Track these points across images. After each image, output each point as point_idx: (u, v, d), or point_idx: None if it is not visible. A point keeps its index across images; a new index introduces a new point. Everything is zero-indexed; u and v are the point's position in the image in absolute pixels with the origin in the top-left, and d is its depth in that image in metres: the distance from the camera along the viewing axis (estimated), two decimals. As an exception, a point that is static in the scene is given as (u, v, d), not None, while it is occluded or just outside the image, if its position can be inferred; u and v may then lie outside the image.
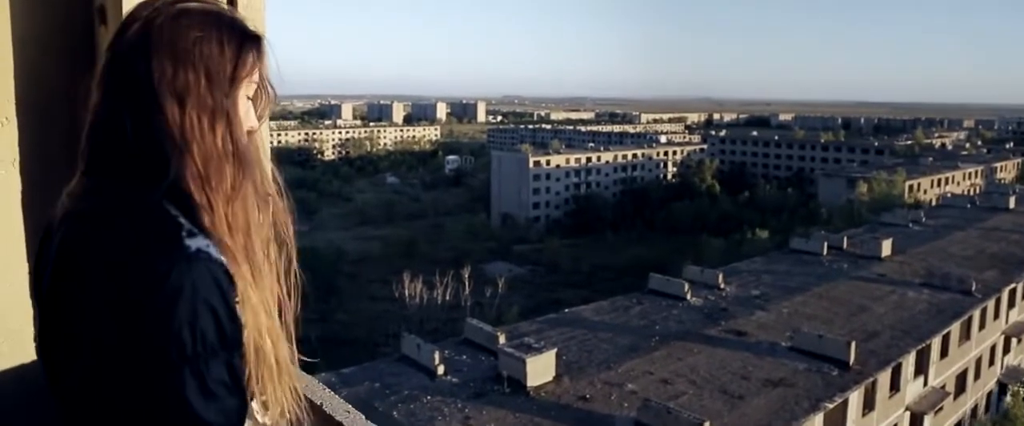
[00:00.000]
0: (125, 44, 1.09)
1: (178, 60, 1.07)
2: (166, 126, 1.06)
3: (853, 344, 26.85)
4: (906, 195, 78.43)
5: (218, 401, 1.03)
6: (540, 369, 24.37)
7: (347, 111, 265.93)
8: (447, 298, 56.56)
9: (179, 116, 1.06)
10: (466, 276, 57.62)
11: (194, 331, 0.99)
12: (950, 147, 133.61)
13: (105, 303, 1.00)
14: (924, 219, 53.44)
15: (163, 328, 0.98)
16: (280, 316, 1.22)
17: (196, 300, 1.00)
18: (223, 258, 1.06)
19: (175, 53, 1.06)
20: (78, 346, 1.04)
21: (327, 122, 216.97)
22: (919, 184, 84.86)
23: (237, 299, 1.07)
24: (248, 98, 1.18)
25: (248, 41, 1.15)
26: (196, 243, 1.03)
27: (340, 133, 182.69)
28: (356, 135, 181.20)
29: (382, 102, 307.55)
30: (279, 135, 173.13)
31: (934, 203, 71.36)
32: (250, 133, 1.19)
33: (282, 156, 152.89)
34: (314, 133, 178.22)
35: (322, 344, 54.59)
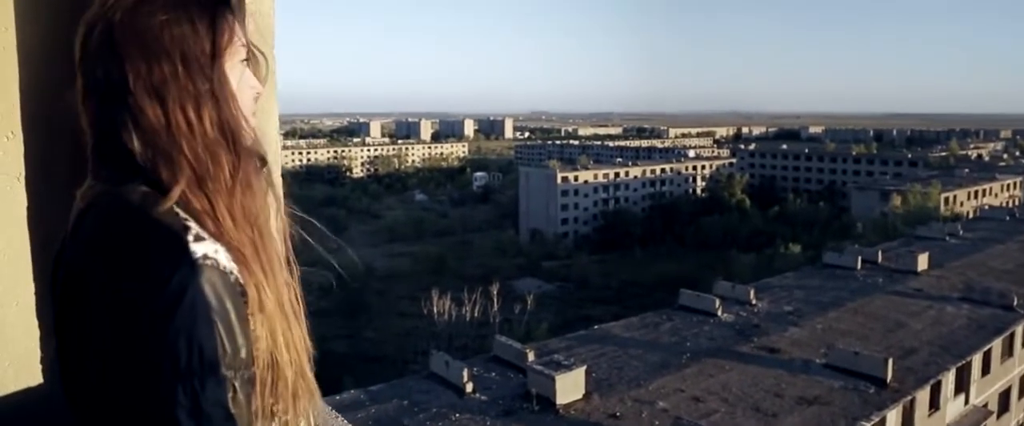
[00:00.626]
0: (91, 50, 1.01)
1: (148, 53, 0.98)
2: (151, 129, 0.98)
3: (890, 361, 26.25)
4: (942, 208, 77.08)
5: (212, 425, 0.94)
6: (570, 387, 24.11)
7: (375, 129, 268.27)
8: (476, 315, 56.40)
9: (162, 115, 0.98)
10: (495, 293, 57.44)
11: (191, 344, 0.91)
12: (987, 158, 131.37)
13: (106, 309, 0.94)
14: (961, 232, 52.41)
15: (158, 337, 0.91)
16: (296, 322, 1.12)
17: (197, 310, 0.92)
18: (234, 266, 0.98)
19: (144, 46, 0.98)
20: (83, 357, 0.98)
21: (356, 140, 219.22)
22: (955, 196, 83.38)
23: (249, 312, 1.00)
24: (243, 62, 1.09)
25: (221, 7, 1.05)
26: (203, 248, 0.95)
27: (369, 151, 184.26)
28: (384, 152, 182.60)
29: (410, 119, 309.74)
30: (309, 153, 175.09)
31: (971, 215, 70.03)
32: (257, 97, 1.13)
33: (312, 174, 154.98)
34: (343, 151, 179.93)
35: (351, 361, 54.72)
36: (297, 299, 1.15)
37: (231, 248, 0.98)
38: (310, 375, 1.15)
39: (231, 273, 0.97)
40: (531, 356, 26.85)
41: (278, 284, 1.05)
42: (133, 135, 0.98)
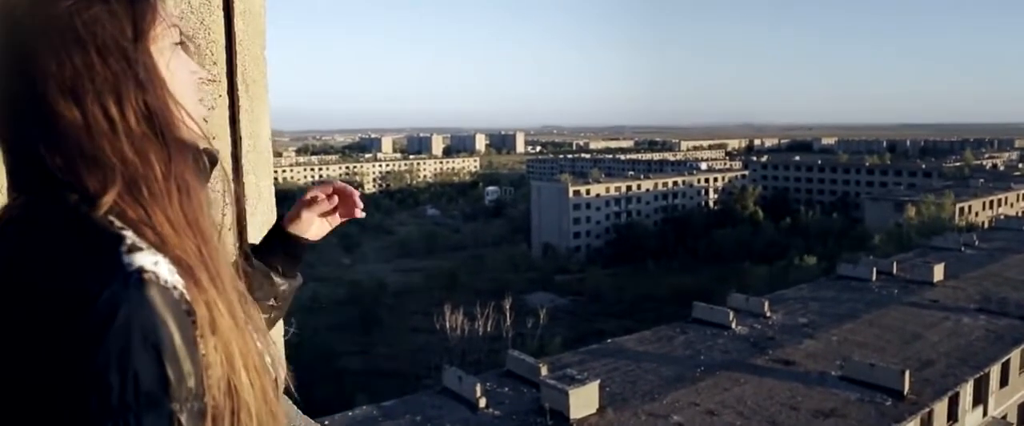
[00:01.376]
0: None
1: (57, 46, 0.84)
2: (69, 132, 0.84)
3: (907, 373, 26.00)
4: (957, 218, 76.50)
5: None
6: (583, 401, 24.00)
7: (387, 144, 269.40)
8: (488, 329, 56.28)
9: (80, 115, 0.84)
10: (507, 307, 57.33)
11: (125, 373, 0.76)
12: (1002, 168, 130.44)
13: (24, 335, 0.78)
14: (977, 242, 52.01)
15: (84, 366, 0.76)
16: (257, 339, 0.98)
17: (131, 332, 0.77)
18: (179, 281, 0.84)
19: (51, 39, 0.84)
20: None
21: (367, 155, 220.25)
22: (970, 206, 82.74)
23: (198, 333, 0.84)
24: (176, 45, 0.95)
25: None
26: (140, 260, 0.81)
27: (380, 166, 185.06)
28: (396, 168, 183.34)
29: (421, 135, 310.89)
30: (321, 169, 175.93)
31: (987, 225, 69.46)
32: (203, 83, 1.01)
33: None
34: (355, 166, 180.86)
35: (364, 376, 54.74)
36: (256, 312, 1.01)
37: (175, 260, 0.85)
38: (276, 401, 0.98)
39: (175, 289, 0.82)
40: (544, 371, 26.78)
41: (231, 299, 0.91)
42: (49, 141, 0.84)
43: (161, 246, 0.85)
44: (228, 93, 1.75)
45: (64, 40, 0.84)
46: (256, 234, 1.80)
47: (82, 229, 0.83)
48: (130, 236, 0.83)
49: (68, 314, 0.77)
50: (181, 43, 0.97)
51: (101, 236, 0.82)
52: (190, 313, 0.83)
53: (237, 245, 1.41)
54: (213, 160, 1.01)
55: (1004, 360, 30.58)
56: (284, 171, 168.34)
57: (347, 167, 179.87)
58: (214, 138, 1.63)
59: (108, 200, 0.84)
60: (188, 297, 0.84)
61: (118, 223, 0.84)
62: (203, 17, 1.62)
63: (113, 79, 0.85)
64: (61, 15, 0.84)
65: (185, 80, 0.96)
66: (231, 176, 1.61)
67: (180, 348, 0.81)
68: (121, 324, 0.77)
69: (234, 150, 1.79)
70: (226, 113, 1.74)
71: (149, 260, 0.81)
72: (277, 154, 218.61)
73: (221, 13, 1.66)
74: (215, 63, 1.69)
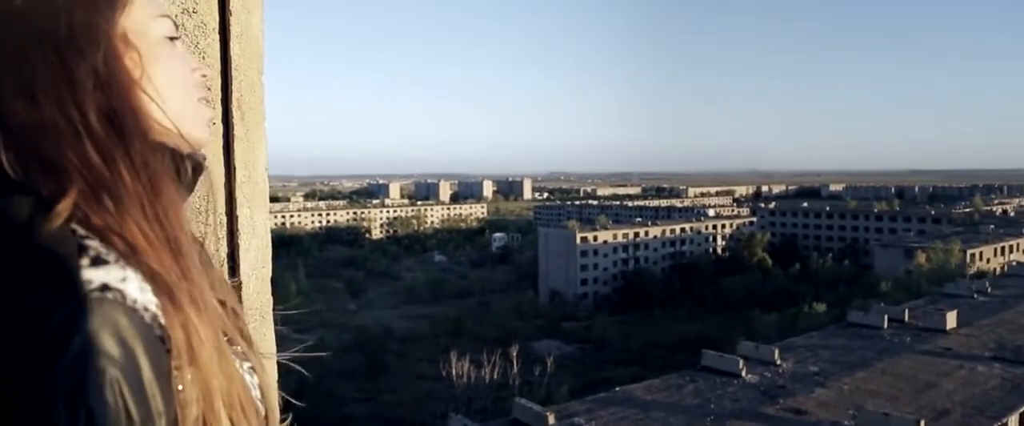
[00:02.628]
0: None
1: (13, 42, 0.75)
2: (23, 132, 0.73)
3: (922, 422, 25.48)
4: (968, 264, 75.95)
5: None
6: (591, 451, 23.58)
7: (395, 190, 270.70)
8: (495, 377, 55.73)
9: (36, 114, 0.73)
10: (514, 354, 56.84)
11: (75, 414, 0.63)
12: (1012, 214, 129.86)
13: None
14: (989, 289, 51.52)
15: (27, 405, 0.63)
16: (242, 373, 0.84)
17: (87, 362, 0.64)
18: (151, 301, 0.71)
19: (8, 35, 0.75)
20: None
21: (375, 201, 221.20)
22: (981, 253, 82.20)
23: (175, 365, 0.72)
24: (170, 38, 0.84)
25: None
26: (103, 276, 0.69)
27: (388, 212, 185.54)
28: (403, 214, 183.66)
29: (429, 181, 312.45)
30: (328, 215, 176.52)
31: (998, 272, 68.89)
32: (204, 80, 0.90)
33: (331, 235, 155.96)
34: (362, 212, 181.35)
35: (369, 423, 54.13)
36: (246, 340, 0.88)
37: (149, 275, 0.72)
38: None
39: (146, 310, 0.70)
40: (552, 419, 26.43)
41: (213, 323, 0.78)
42: (4, 142, 0.74)
43: (132, 259, 0.72)
44: (223, 120, 1.66)
45: (21, 36, 0.75)
46: (249, 272, 1.70)
47: (32, 240, 0.70)
48: (95, 246, 0.71)
49: (12, 341, 0.64)
50: (175, 37, 0.85)
51: (58, 246, 0.69)
52: (164, 340, 0.71)
53: (229, 283, 1.35)
54: (197, 167, 0.87)
55: (1022, 410, 29.99)
56: (291, 216, 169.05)
57: (354, 213, 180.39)
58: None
59: (66, 204, 0.72)
60: (162, 321, 0.71)
61: (82, 232, 0.72)
62: (198, 40, 1.56)
63: (75, 75, 0.74)
64: (18, 9, 0.75)
65: (176, 78, 0.84)
66: (224, 209, 1.61)
67: (149, 383, 0.67)
68: (75, 353, 0.64)
69: (228, 181, 1.67)
70: (220, 142, 1.64)
71: (115, 275, 0.69)
72: (285, 199, 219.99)
73: (217, 36, 1.59)
74: (209, 89, 1.65)
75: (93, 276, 0.68)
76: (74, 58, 0.74)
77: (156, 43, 0.82)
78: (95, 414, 0.63)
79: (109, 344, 0.65)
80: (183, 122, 0.83)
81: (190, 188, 0.87)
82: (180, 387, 0.72)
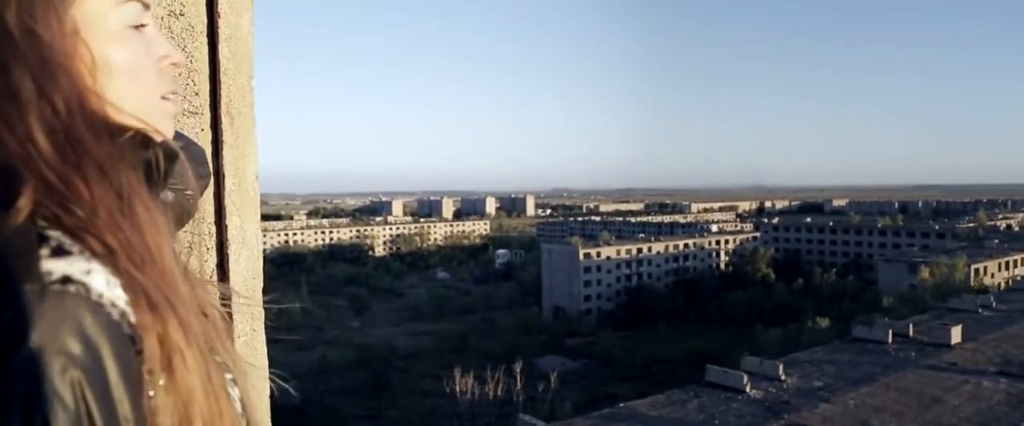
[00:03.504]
0: None
1: None
2: None
3: (928, 438, 25.33)
4: (972, 279, 75.75)
5: None
6: (595, 467, 23.44)
7: (398, 207, 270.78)
8: (499, 393, 55.58)
9: None
10: (518, 371, 56.70)
11: (31, 418, 0.56)
12: (1016, 228, 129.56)
13: None
14: (994, 304, 51.29)
15: None
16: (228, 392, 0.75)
17: (45, 363, 0.56)
18: (121, 296, 0.63)
19: None
20: None
21: (378, 218, 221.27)
22: (985, 267, 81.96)
23: (146, 368, 0.64)
24: (136, 27, 0.75)
25: None
26: (65, 267, 0.61)
27: (391, 229, 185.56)
28: (407, 231, 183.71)
29: (432, 198, 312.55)
30: (331, 232, 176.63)
31: (1003, 287, 68.64)
32: (173, 68, 0.80)
33: (334, 253, 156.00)
34: (365, 230, 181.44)
35: (372, 442, 53.97)
36: (229, 351, 0.79)
37: (119, 270, 0.65)
38: None
39: (114, 306, 0.62)
40: (555, 435, 26.27)
41: (193, 331, 0.70)
42: None
43: (101, 252, 0.64)
44: (211, 126, 1.59)
45: None
46: (240, 284, 1.64)
47: None
48: (57, 237, 0.63)
49: None
50: (142, 25, 0.75)
51: (14, 236, 0.61)
52: (135, 340, 0.63)
53: (218, 294, 1.34)
54: (170, 155, 0.80)
55: (1027, 425, 29.82)
56: (295, 234, 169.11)
57: (358, 230, 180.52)
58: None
59: (25, 202, 0.63)
60: (132, 319, 0.63)
61: (43, 223, 0.64)
62: (185, 43, 1.50)
63: (12, 89, 0.65)
64: None
65: (137, 72, 0.74)
66: (213, 218, 1.56)
67: (115, 386, 0.60)
68: (30, 352, 0.56)
69: (216, 189, 1.61)
70: (208, 148, 1.58)
71: (79, 267, 0.62)
72: (288, 217, 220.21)
73: (205, 39, 1.52)
74: (197, 93, 1.56)
75: (53, 267, 0.60)
76: (16, 66, 0.65)
77: (115, 34, 0.72)
78: (53, 420, 0.56)
79: (70, 342, 0.58)
80: (143, 119, 0.75)
81: (166, 179, 0.80)
82: (151, 393, 0.64)
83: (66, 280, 0.60)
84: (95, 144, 0.67)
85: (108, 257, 0.64)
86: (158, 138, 0.77)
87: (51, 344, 0.57)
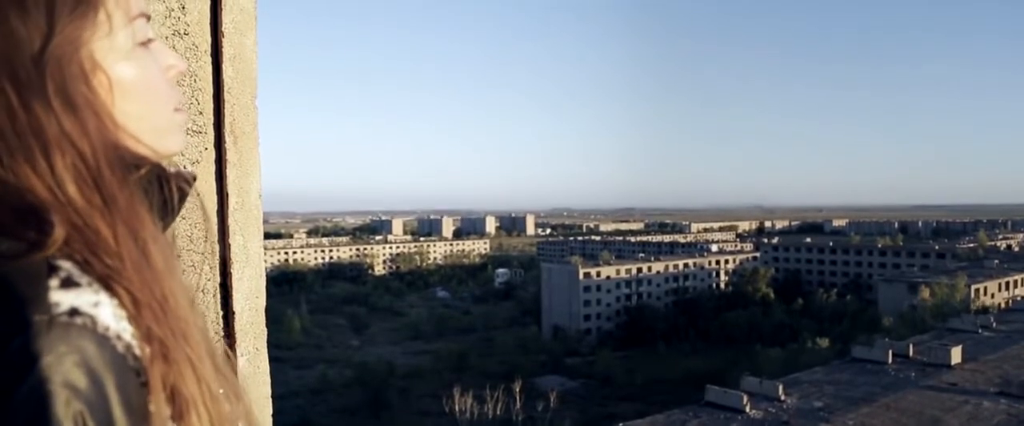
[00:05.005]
0: None
1: None
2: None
3: (928, 459, 25.27)
4: (972, 299, 75.68)
5: None
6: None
7: (397, 226, 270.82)
8: (498, 412, 55.44)
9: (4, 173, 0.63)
10: (517, 390, 56.58)
11: None
12: (1016, 249, 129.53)
13: None
14: (994, 324, 51.24)
15: None
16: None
17: (49, 394, 0.56)
18: (127, 328, 0.63)
19: None
20: None
21: (378, 237, 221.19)
22: (985, 288, 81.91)
23: (150, 402, 0.64)
24: (143, 44, 0.74)
25: None
26: (73, 299, 0.60)
27: (391, 248, 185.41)
28: (406, 250, 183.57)
29: (432, 217, 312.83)
30: (331, 251, 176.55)
31: (1003, 307, 68.56)
32: (177, 79, 0.81)
33: (334, 271, 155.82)
34: (365, 248, 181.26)
35: (371, 462, 53.67)
36: (236, 393, 0.76)
37: (130, 302, 0.64)
38: None
39: (119, 339, 0.62)
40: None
41: (207, 381, 0.69)
42: None
43: (112, 283, 0.64)
44: (215, 146, 1.60)
45: None
46: (243, 303, 1.64)
47: (2, 259, 0.61)
48: (67, 268, 0.62)
49: None
50: (149, 41, 0.75)
51: (24, 266, 0.61)
52: (139, 373, 0.63)
53: (221, 314, 1.28)
54: (186, 181, 0.81)
55: (1028, 446, 29.72)
56: (294, 252, 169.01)
57: (358, 249, 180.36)
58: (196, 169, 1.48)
59: (53, 244, 0.63)
60: (137, 352, 0.63)
61: (56, 254, 0.63)
62: (189, 63, 1.50)
63: (37, 127, 0.63)
64: None
65: (150, 90, 0.74)
66: (216, 237, 1.54)
67: (119, 420, 0.59)
68: (35, 383, 0.56)
69: (220, 208, 1.62)
70: (213, 167, 1.59)
71: (87, 300, 0.61)
72: (288, 236, 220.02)
73: (209, 59, 1.52)
74: (201, 113, 1.56)
75: (62, 299, 0.60)
76: (38, 104, 0.63)
77: (126, 52, 0.72)
78: None
79: (74, 374, 0.57)
80: (157, 138, 0.75)
81: (181, 206, 0.80)
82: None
83: (74, 312, 0.60)
84: (119, 187, 0.67)
85: (113, 282, 0.64)
86: (172, 169, 0.77)
87: (56, 376, 0.56)
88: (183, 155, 0.89)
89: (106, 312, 0.61)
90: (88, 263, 0.63)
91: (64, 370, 0.57)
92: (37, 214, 0.63)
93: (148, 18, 0.75)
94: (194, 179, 0.81)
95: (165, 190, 0.77)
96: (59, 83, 0.64)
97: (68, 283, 0.61)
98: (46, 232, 0.62)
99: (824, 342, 69.37)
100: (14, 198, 0.63)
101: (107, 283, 0.63)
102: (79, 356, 0.58)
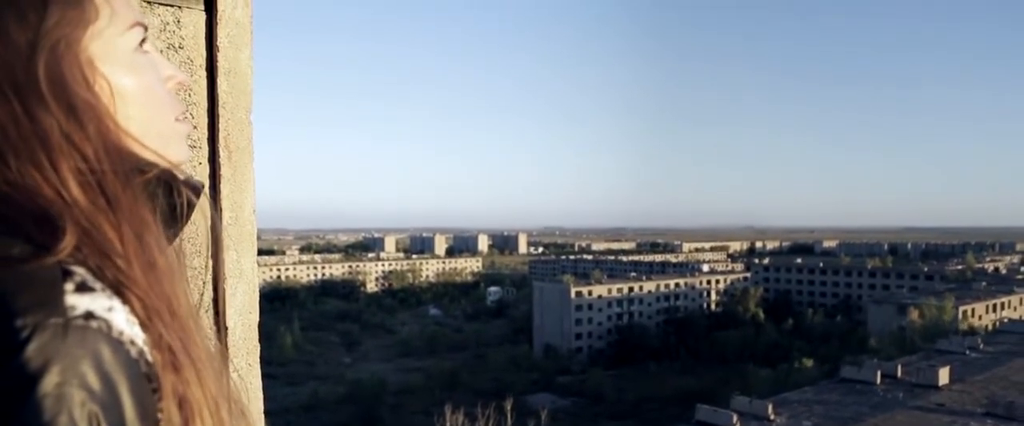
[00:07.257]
0: None
1: None
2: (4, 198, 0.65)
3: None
4: (960, 321, 76.05)
5: None
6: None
7: (390, 243, 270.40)
8: (489, 431, 55.18)
9: (10, 179, 0.64)
10: (508, 408, 56.28)
11: None
12: (1004, 271, 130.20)
13: None
14: (982, 345, 51.56)
15: None
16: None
17: (65, 395, 0.57)
18: (139, 335, 0.64)
19: None
20: None
21: (370, 254, 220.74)
22: (973, 310, 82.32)
23: (159, 404, 0.64)
24: (140, 50, 0.75)
25: None
26: (89, 303, 0.61)
27: (383, 265, 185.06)
28: (399, 267, 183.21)
29: (424, 234, 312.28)
30: (324, 268, 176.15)
31: (990, 329, 68.91)
32: (179, 89, 0.82)
33: (326, 288, 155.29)
34: (357, 265, 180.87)
35: (360, 480, 53.40)
36: (238, 404, 0.77)
37: (141, 308, 0.66)
38: None
39: (132, 344, 0.63)
40: (542, 473, 26.21)
41: (213, 392, 0.70)
42: None
43: (123, 289, 0.65)
44: (209, 160, 1.60)
45: None
46: (236, 318, 1.65)
47: (16, 266, 0.62)
48: (81, 273, 0.63)
49: None
50: (144, 41, 0.75)
51: (41, 270, 0.62)
52: (151, 378, 0.64)
53: (215, 329, 1.27)
54: (196, 189, 0.80)
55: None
56: (287, 269, 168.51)
57: (350, 266, 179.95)
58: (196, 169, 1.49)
59: (64, 248, 0.63)
60: (149, 358, 0.64)
61: (68, 259, 0.64)
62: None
63: (41, 133, 0.65)
64: None
65: (151, 96, 0.75)
66: (209, 252, 1.53)
67: (131, 422, 0.61)
68: (52, 385, 0.57)
69: (213, 223, 1.71)
70: (206, 182, 1.61)
71: (101, 304, 0.62)
72: (281, 252, 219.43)
73: (204, 73, 1.53)
74: (196, 127, 1.56)
75: (77, 302, 0.61)
76: (41, 111, 0.65)
77: (126, 60, 0.73)
78: None
79: (90, 377, 0.59)
80: (162, 145, 0.76)
81: (189, 214, 0.80)
82: None
83: (89, 316, 0.60)
84: (122, 189, 0.68)
85: (125, 289, 0.65)
86: (181, 175, 0.78)
87: (72, 377, 0.57)
88: (184, 117, 0.82)
89: (120, 317, 0.62)
90: (101, 269, 0.64)
91: (80, 372, 0.58)
92: (47, 217, 0.64)
93: (146, 28, 0.75)
94: (203, 187, 0.81)
95: (174, 195, 0.77)
96: (58, 85, 0.65)
97: (83, 287, 0.62)
98: (57, 236, 0.63)
99: (808, 362, 69.60)
100: (24, 200, 0.64)
101: (119, 290, 0.64)
102: (94, 359, 0.59)
